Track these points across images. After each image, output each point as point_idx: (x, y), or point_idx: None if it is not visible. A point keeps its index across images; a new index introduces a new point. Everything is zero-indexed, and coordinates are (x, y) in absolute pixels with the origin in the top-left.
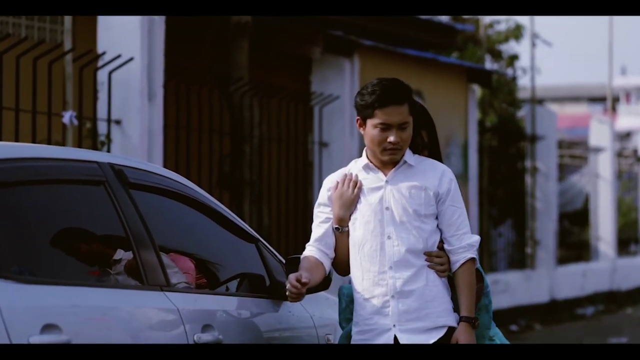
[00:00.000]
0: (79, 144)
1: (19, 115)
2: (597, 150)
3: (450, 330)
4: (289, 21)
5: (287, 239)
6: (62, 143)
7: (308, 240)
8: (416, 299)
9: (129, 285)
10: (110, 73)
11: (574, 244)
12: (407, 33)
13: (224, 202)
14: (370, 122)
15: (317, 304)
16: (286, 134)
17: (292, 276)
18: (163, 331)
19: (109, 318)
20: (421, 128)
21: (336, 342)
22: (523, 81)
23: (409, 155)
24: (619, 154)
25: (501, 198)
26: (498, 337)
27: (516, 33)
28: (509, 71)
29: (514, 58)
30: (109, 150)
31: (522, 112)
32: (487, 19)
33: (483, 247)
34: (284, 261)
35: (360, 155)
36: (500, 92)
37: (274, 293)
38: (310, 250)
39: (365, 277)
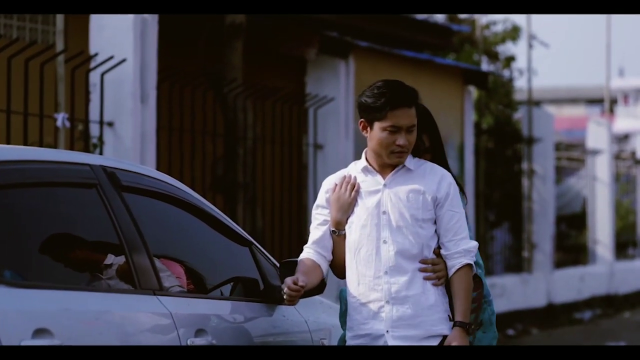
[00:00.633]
0: (71, 146)
1: (11, 117)
2: (595, 152)
3: (445, 339)
4: (284, 22)
5: (282, 242)
6: (54, 145)
7: (303, 243)
8: (411, 306)
9: (121, 289)
10: (102, 74)
11: (572, 247)
12: (402, 34)
13: (218, 205)
14: (378, 125)
15: (312, 308)
16: (280, 135)
17: (289, 279)
18: (156, 335)
19: (101, 322)
20: (423, 131)
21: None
22: (520, 83)
23: (408, 159)
24: (617, 156)
25: (498, 201)
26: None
27: (513, 34)
28: (506, 72)
29: (510, 59)
30: (101, 153)
31: (519, 114)
32: (483, 20)
33: (480, 252)
34: (278, 265)
35: (357, 158)
36: (496, 93)
37: (268, 297)
38: (308, 252)
39: (361, 282)
